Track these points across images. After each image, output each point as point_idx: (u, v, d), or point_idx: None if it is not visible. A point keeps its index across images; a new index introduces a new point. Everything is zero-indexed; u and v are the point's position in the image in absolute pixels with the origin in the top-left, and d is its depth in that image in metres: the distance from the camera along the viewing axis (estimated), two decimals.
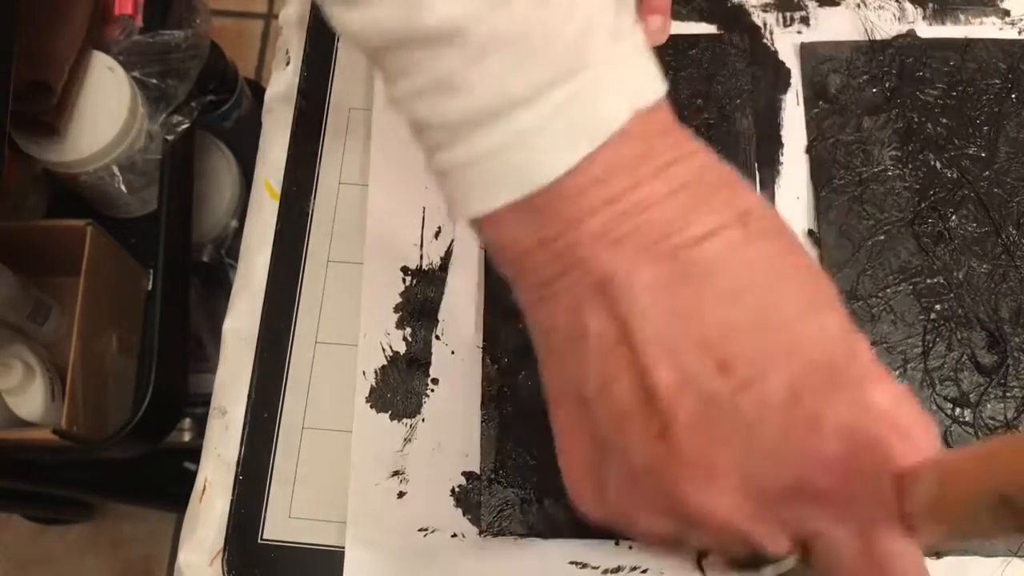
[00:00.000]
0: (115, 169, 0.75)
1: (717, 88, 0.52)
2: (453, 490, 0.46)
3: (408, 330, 0.48)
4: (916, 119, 0.51)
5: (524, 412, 0.46)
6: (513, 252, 0.29)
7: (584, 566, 0.45)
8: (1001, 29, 0.53)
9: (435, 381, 0.48)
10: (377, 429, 0.47)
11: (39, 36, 0.69)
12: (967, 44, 0.52)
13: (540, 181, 0.26)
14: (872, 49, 0.52)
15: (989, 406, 0.46)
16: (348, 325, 0.49)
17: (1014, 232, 0.48)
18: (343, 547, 0.45)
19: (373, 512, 0.45)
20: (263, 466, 0.47)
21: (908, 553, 0.25)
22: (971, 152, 0.50)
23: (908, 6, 0.54)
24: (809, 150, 0.51)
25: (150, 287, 0.75)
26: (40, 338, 0.75)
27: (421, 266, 0.50)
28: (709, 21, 0.54)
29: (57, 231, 0.73)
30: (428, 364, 0.48)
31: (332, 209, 0.52)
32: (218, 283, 0.91)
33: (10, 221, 0.73)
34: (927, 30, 0.53)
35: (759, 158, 0.51)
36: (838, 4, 0.54)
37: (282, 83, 0.56)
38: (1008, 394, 0.46)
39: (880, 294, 0.48)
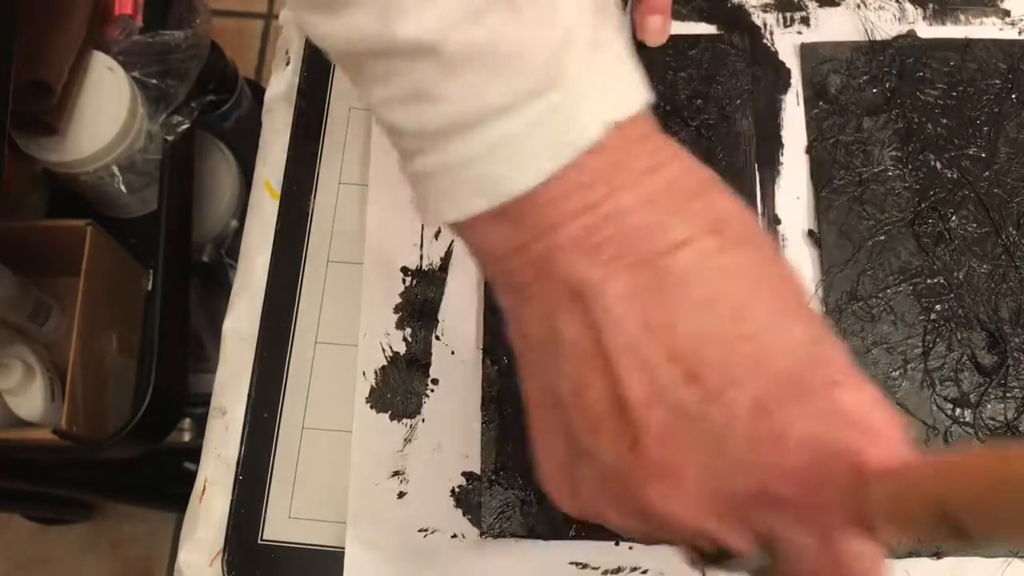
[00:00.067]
0: (115, 169, 0.75)
1: (717, 88, 0.52)
2: (453, 491, 0.46)
3: (408, 330, 0.48)
4: (916, 119, 0.51)
5: (523, 415, 0.46)
6: (490, 256, 0.29)
7: (584, 566, 0.45)
8: (1001, 29, 0.53)
9: (435, 381, 0.48)
10: (377, 429, 0.47)
11: (39, 36, 0.69)
12: (967, 44, 0.52)
13: (514, 192, 0.26)
14: (872, 49, 0.52)
15: (989, 406, 0.46)
16: (348, 325, 0.49)
17: (1014, 232, 0.48)
18: (343, 547, 0.45)
19: (373, 512, 0.45)
20: (263, 466, 0.47)
21: (868, 553, 0.25)
22: (971, 152, 0.50)
23: (908, 6, 0.54)
24: (809, 150, 0.51)
25: (150, 287, 0.75)
26: (40, 338, 0.75)
27: (421, 266, 0.50)
28: (709, 21, 0.54)
29: (57, 231, 0.73)
30: (428, 364, 0.48)
31: (332, 209, 0.52)
32: (218, 283, 0.91)
33: (10, 221, 0.73)
34: (927, 30, 0.53)
35: (759, 158, 0.51)
36: (838, 4, 0.54)
37: (282, 83, 0.56)
38: (1008, 394, 0.46)
39: (880, 294, 0.48)
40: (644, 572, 0.44)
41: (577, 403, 0.27)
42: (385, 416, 0.47)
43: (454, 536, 0.45)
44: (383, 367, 0.48)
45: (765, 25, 0.54)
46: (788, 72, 0.53)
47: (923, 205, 0.49)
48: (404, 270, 0.50)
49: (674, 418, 0.26)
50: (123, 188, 0.77)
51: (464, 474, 0.46)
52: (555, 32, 0.26)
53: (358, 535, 0.45)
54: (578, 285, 0.26)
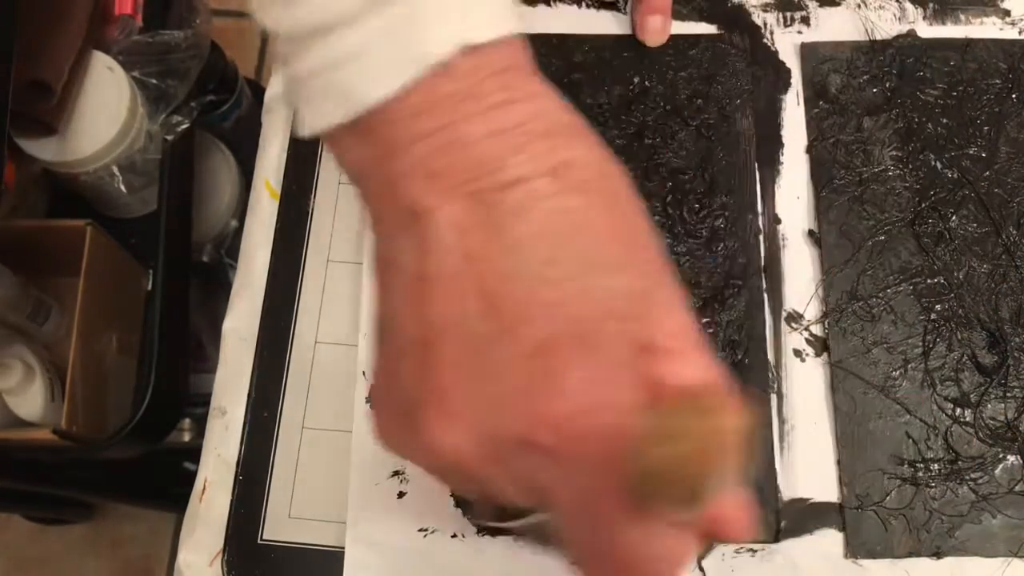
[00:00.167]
0: (115, 169, 0.75)
1: (717, 88, 0.52)
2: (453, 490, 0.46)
3: None
4: (916, 119, 0.51)
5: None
6: (351, 173, 0.29)
7: None
8: (1001, 29, 0.53)
9: None
10: None
11: (39, 36, 0.69)
12: (967, 44, 0.52)
13: (363, 103, 0.26)
14: (872, 49, 0.52)
15: (990, 406, 0.46)
16: (348, 325, 0.49)
17: (1014, 232, 0.48)
18: (343, 547, 0.45)
19: (373, 512, 0.45)
20: (263, 466, 0.47)
21: (629, 522, 0.25)
22: (971, 152, 0.50)
23: (908, 6, 0.54)
24: (809, 150, 0.51)
25: (150, 287, 0.75)
26: (40, 338, 0.75)
27: None
28: (709, 21, 0.54)
29: (57, 231, 0.73)
30: None
31: (332, 209, 0.52)
32: (218, 283, 0.91)
33: (10, 221, 0.73)
34: (927, 30, 0.53)
35: (759, 158, 0.51)
36: (838, 4, 0.54)
37: (282, 83, 0.56)
38: (1008, 394, 0.46)
39: (880, 294, 0.48)
40: None
41: (396, 326, 0.27)
42: None
43: (454, 536, 0.45)
44: None
45: (765, 25, 0.54)
46: (788, 72, 0.53)
47: (923, 205, 0.49)
48: None
49: (465, 349, 0.26)
50: (123, 188, 0.77)
51: None
52: None
53: (358, 535, 0.45)
54: (416, 208, 0.27)
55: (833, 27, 0.53)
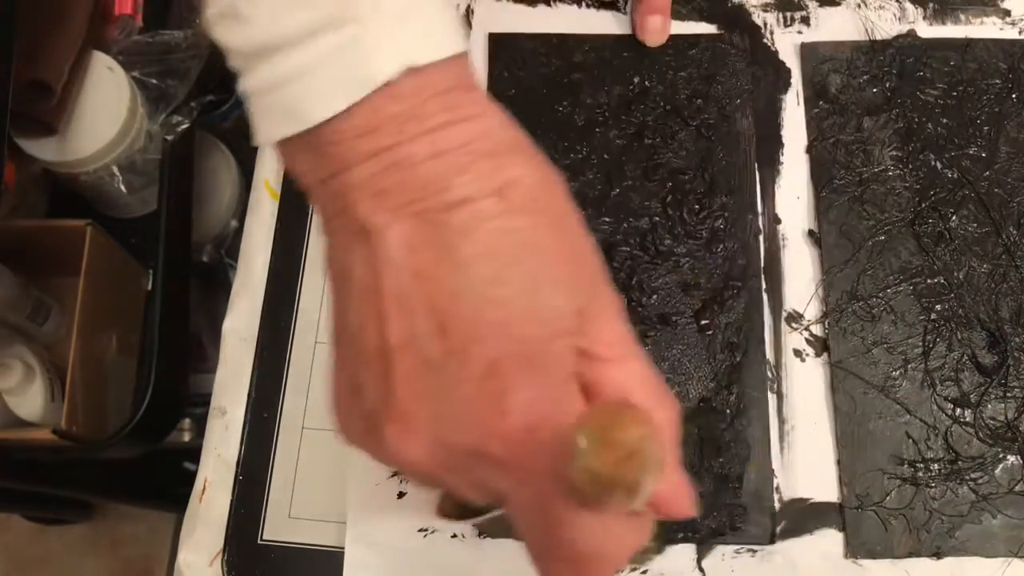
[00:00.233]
0: (115, 169, 0.75)
1: (717, 88, 0.52)
2: None
3: None
4: (916, 119, 0.51)
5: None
6: (304, 185, 0.30)
7: None
8: (1001, 29, 0.53)
9: None
10: None
11: (39, 36, 0.69)
12: (967, 44, 0.52)
13: (309, 122, 0.27)
14: (872, 49, 0.52)
15: (990, 406, 0.46)
16: None
17: (1014, 232, 0.48)
18: (343, 547, 0.45)
19: (373, 512, 0.45)
20: (263, 466, 0.47)
21: (578, 519, 0.26)
22: (971, 152, 0.50)
23: (908, 6, 0.54)
24: (809, 150, 0.51)
25: (150, 287, 0.75)
26: (40, 338, 0.75)
27: None
28: (709, 21, 0.54)
29: (57, 231, 0.72)
30: None
31: None
32: (218, 283, 0.90)
33: (10, 221, 0.73)
34: (927, 30, 0.53)
35: (759, 158, 0.51)
36: (839, 4, 0.54)
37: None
38: (1009, 394, 0.46)
39: (880, 294, 0.48)
40: (644, 572, 0.44)
41: (357, 340, 0.28)
42: None
43: (454, 536, 0.45)
44: None
45: (765, 25, 0.54)
46: (788, 72, 0.53)
47: (923, 205, 0.49)
48: None
49: (419, 366, 0.27)
50: (123, 188, 0.77)
51: None
52: None
53: (358, 535, 0.45)
54: (366, 226, 0.27)
55: (833, 27, 0.53)
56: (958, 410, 0.46)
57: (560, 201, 0.29)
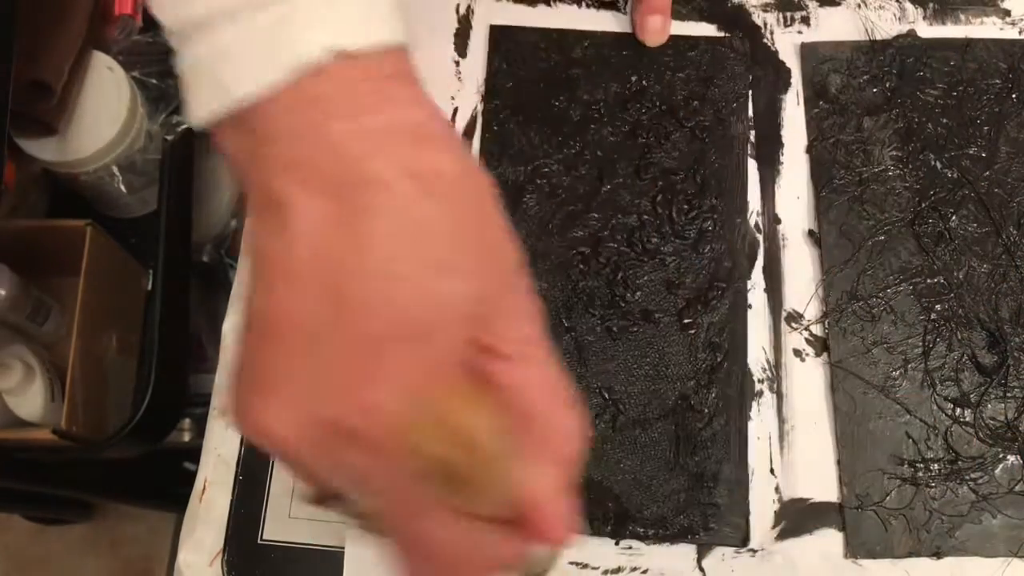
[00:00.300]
0: (115, 169, 0.75)
1: (714, 91, 0.52)
2: None
3: None
4: (916, 119, 0.51)
5: None
6: (232, 162, 0.30)
7: (584, 566, 0.45)
8: (1001, 29, 0.53)
9: None
10: None
11: (39, 36, 0.69)
12: (967, 44, 0.52)
13: (237, 98, 0.27)
14: (872, 49, 0.52)
15: (990, 406, 0.46)
16: None
17: (1014, 232, 0.48)
18: (343, 547, 0.45)
19: None
20: (263, 466, 0.47)
21: (436, 515, 0.26)
22: (971, 152, 0.50)
23: (908, 6, 0.54)
24: (809, 150, 0.51)
25: (150, 287, 0.75)
26: (40, 338, 0.75)
27: None
28: (709, 21, 0.54)
29: (57, 231, 0.73)
30: None
31: None
32: (218, 283, 0.91)
33: (10, 221, 0.73)
34: (927, 30, 0.53)
35: (759, 158, 0.51)
36: (839, 4, 0.54)
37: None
38: (1008, 394, 0.46)
39: (880, 294, 0.48)
40: (644, 572, 0.44)
41: (254, 311, 0.28)
42: None
43: None
44: None
45: (765, 25, 0.54)
46: (788, 72, 0.53)
47: (923, 205, 0.49)
48: None
49: (303, 339, 0.27)
50: (123, 188, 0.77)
51: None
52: None
53: (358, 535, 0.45)
54: (279, 199, 0.28)
55: (833, 27, 0.53)
56: (958, 410, 0.46)
57: (479, 196, 0.29)
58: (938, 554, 0.44)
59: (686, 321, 0.47)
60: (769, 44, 0.53)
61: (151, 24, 0.78)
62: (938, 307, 0.47)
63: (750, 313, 0.48)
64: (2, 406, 0.70)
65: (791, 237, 0.50)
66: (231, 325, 0.51)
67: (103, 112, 0.73)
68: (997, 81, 0.51)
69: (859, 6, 0.54)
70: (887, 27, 0.53)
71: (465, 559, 0.28)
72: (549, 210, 0.50)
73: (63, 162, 0.73)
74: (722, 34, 0.53)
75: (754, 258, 0.49)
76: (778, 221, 0.50)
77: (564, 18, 0.54)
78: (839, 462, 0.45)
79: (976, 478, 0.45)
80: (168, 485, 0.95)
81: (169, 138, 0.77)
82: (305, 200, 0.27)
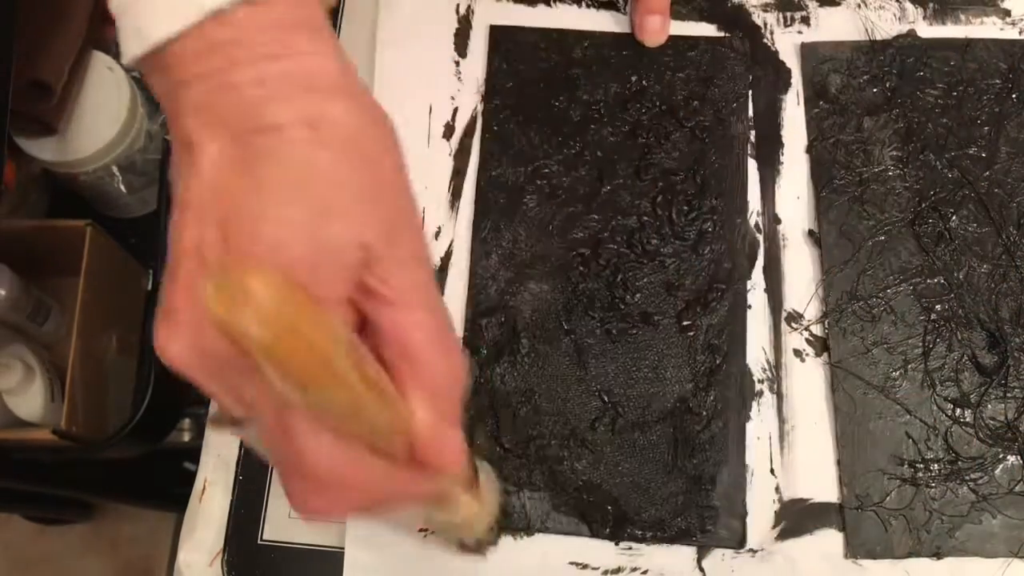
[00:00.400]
0: (115, 169, 0.75)
1: (714, 91, 0.52)
2: None
3: None
4: (916, 119, 0.51)
5: (495, 405, 0.46)
6: (159, 101, 0.32)
7: (584, 567, 0.45)
8: (1002, 29, 0.53)
9: None
10: None
11: (39, 36, 0.69)
12: (967, 44, 0.52)
13: (150, 42, 0.29)
14: (872, 49, 0.52)
15: (990, 406, 0.46)
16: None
17: (1014, 232, 0.48)
18: (343, 547, 0.45)
19: None
20: (263, 466, 0.47)
21: (309, 430, 0.28)
22: (972, 152, 0.50)
23: (908, 6, 0.54)
24: (809, 150, 0.51)
25: (150, 287, 0.75)
26: (40, 338, 0.75)
27: None
28: (709, 21, 0.54)
29: (57, 231, 0.72)
30: None
31: None
32: None
33: (10, 221, 0.73)
34: (927, 30, 0.53)
35: (759, 158, 0.51)
36: (839, 4, 0.54)
37: None
38: (1009, 394, 0.46)
39: (880, 294, 0.48)
40: (644, 572, 0.44)
41: (171, 246, 0.30)
42: None
43: None
44: None
45: (765, 25, 0.54)
46: (788, 72, 0.53)
47: (923, 205, 0.49)
48: None
49: (196, 271, 0.29)
50: (123, 188, 0.77)
51: None
52: None
53: (358, 535, 0.45)
54: (189, 140, 0.30)
55: (833, 27, 0.53)
56: (958, 410, 0.46)
57: (376, 146, 0.30)
58: (938, 554, 0.44)
59: (685, 323, 0.47)
60: (769, 44, 0.53)
61: None
62: (938, 307, 0.47)
63: (750, 313, 0.48)
64: (2, 406, 0.70)
65: (791, 237, 0.50)
66: None
67: (103, 112, 0.73)
68: (997, 81, 0.51)
69: (859, 6, 0.54)
70: (887, 27, 0.53)
71: (339, 481, 0.29)
72: (549, 211, 0.50)
73: (63, 162, 0.73)
74: (722, 34, 0.53)
75: (754, 258, 0.49)
76: (778, 221, 0.50)
77: (564, 18, 0.54)
78: (839, 462, 0.45)
79: (976, 478, 0.45)
80: (168, 485, 0.95)
81: (169, 138, 0.77)
82: (208, 142, 0.29)
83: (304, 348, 0.25)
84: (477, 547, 0.43)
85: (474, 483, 0.38)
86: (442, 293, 0.49)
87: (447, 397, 0.31)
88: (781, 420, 0.47)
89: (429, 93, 0.53)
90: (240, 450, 0.48)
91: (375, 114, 0.31)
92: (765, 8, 0.54)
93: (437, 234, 0.50)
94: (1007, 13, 0.53)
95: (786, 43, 0.53)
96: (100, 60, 0.74)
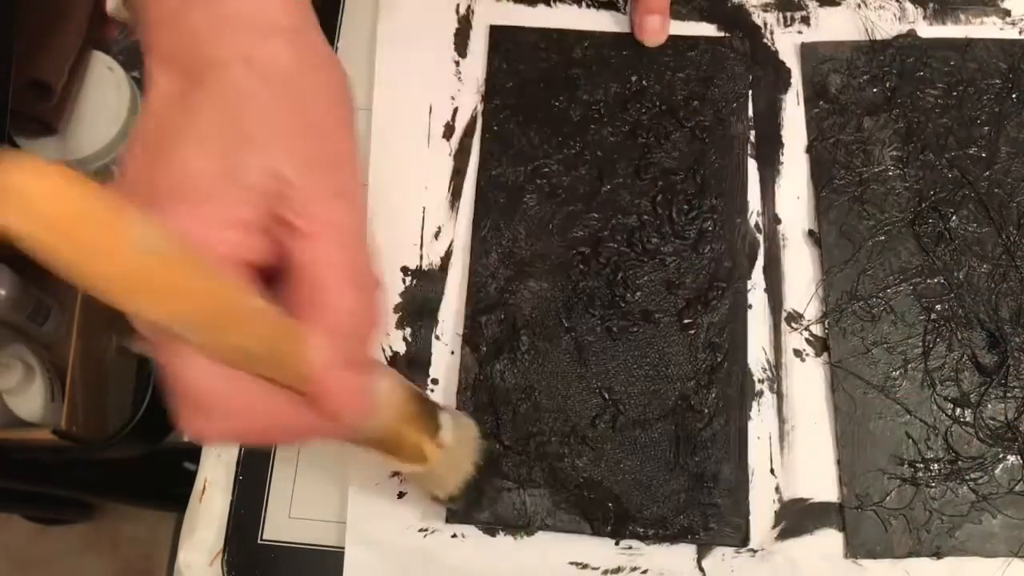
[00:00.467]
0: (115, 169, 0.75)
1: (714, 91, 0.52)
2: None
3: (408, 330, 0.48)
4: (917, 119, 0.51)
5: (495, 402, 0.46)
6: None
7: (584, 567, 0.45)
8: (1002, 29, 0.53)
9: (435, 381, 0.48)
10: None
11: (39, 36, 0.69)
12: (967, 44, 0.52)
13: None
14: (873, 49, 0.52)
15: (990, 406, 0.46)
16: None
17: (1014, 232, 0.48)
18: (343, 547, 0.45)
19: (373, 512, 0.45)
20: (263, 466, 0.47)
21: (179, 348, 0.29)
22: (971, 152, 0.50)
23: (908, 6, 0.54)
24: (809, 150, 0.51)
25: None
26: (40, 338, 0.75)
27: (421, 266, 0.50)
28: (709, 21, 0.54)
29: None
30: (428, 364, 0.48)
31: None
32: None
33: None
34: (927, 30, 0.53)
35: (759, 158, 0.51)
36: (839, 4, 0.54)
37: None
38: (1009, 394, 0.46)
39: (880, 294, 0.48)
40: (644, 572, 0.44)
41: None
42: None
43: (454, 536, 0.45)
44: None
45: (765, 25, 0.54)
46: (788, 72, 0.53)
47: (923, 205, 0.49)
48: (404, 270, 0.50)
49: (129, 199, 0.29)
50: None
51: None
52: None
53: (358, 535, 0.45)
54: (148, 76, 0.32)
55: (833, 27, 0.53)
56: (958, 410, 0.46)
57: (309, 86, 0.32)
58: (938, 554, 0.44)
59: (686, 321, 0.47)
60: (769, 44, 0.53)
61: None
62: (938, 307, 0.47)
63: (750, 313, 0.48)
64: (2, 406, 0.70)
65: (791, 237, 0.50)
66: None
67: (103, 112, 0.73)
68: (997, 81, 0.51)
69: (859, 6, 0.54)
70: (887, 27, 0.53)
71: (217, 406, 0.30)
72: (549, 210, 0.50)
73: (63, 162, 0.73)
74: (722, 34, 0.53)
75: (754, 258, 0.49)
76: (778, 221, 0.50)
77: (564, 18, 0.54)
78: (839, 462, 0.45)
79: (976, 478, 0.45)
80: (168, 485, 0.95)
81: None
82: (160, 77, 0.31)
83: (99, 250, 0.24)
84: (448, 500, 0.43)
85: (430, 433, 0.38)
86: (442, 292, 0.49)
87: (352, 337, 0.31)
88: (781, 420, 0.47)
89: (429, 93, 0.53)
90: (240, 450, 0.48)
91: (316, 58, 0.32)
92: (765, 8, 0.54)
93: (437, 234, 0.50)
94: (1007, 13, 0.53)
95: (786, 43, 0.53)
96: (100, 60, 0.74)
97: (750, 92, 0.52)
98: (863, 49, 0.52)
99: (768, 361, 0.48)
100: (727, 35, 0.53)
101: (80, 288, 0.26)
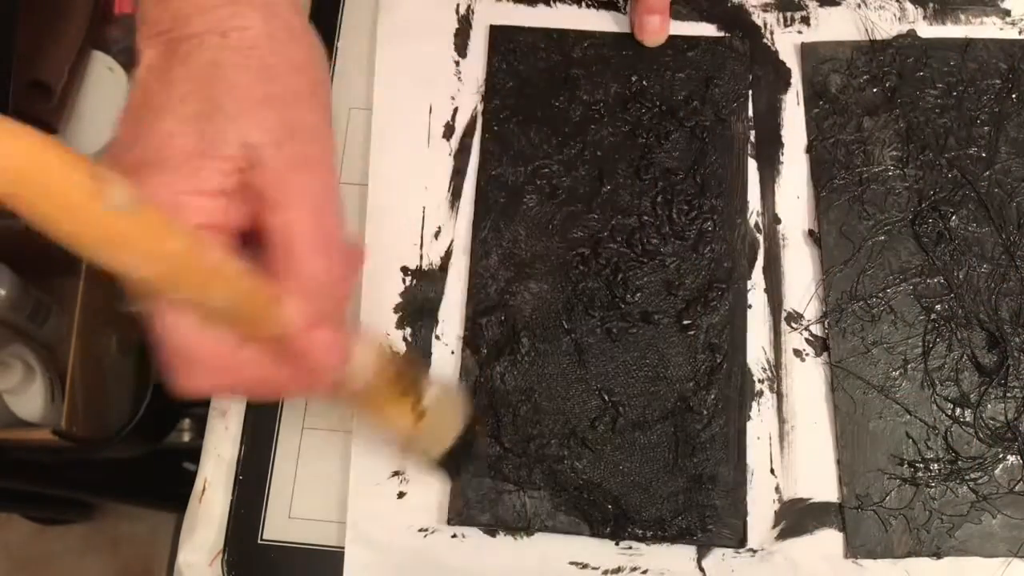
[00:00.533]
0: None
1: (714, 91, 0.52)
2: None
3: (408, 330, 0.48)
4: (916, 119, 0.51)
5: (495, 404, 0.46)
6: None
7: (584, 566, 0.45)
8: (1001, 29, 0.53)
9: None
10: None
11: (39, 36, 0.69)
12: (967, 44, 0.52)
13: None
14: (873, 49, 0.52)
15: (990, 406, 0.46)
16: (348, 325, 0.49)
17: (1014, 232, 0.48)
18: (343, 547, 0.45)
19: (373, 512, 0.45)
20: (263, 466, 0.47)
21: (163, 304, 0.30)
22: (971, 152, 0.50)
23: (909, 6, 0.54)
24: (809, 150, 0.51)
25: None
26: (40, 338, 0.75)
27: (421, 266, 0.50)
28: (709, 21, 0.54)
29: None
30: (428, 364, 0.48)
31: None
32: None
33: (10, 221, 0.73)
34: (927, 30, 0.53)
35: (759, 158, 0.51)
36: (839, 4, 0.54)
37: None
38: (1008, 394, 0.46)
39: (880, 294, 0.48)
40: (644, 572, 0.45)
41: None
42: None
43: (454, 536, 0.45)
44: None
45: (765, 25, 0.54)
46: (788, 72, 0.53)
47: (923, 205, 0.49)
48: (404, 270, 0.50)
49: (114, 158, 0.32)
50: None
51: None
52: None
53: (358, 535, 0.45)
54: (138, 49, 0.33)
55: (833, 27, 0.53)
56: (958, 410, 0.46)
57: (282, 59, 0.33)
58: (938, 554, 0.44)
59: (686, 322, 0.47)
60: (769, 44, 0.53)
61: None
62: (938, 307, 0.47)
63: (750, 313, 0.48)
64: (2, 406, 0.70)
65: (791, 237, 0.50)
66: None
67: (103, 112, 0.73)
68: (997, 81, 0.51)
69: (859, 6, 0.54)
70: (887, 27, 0.53)
71: (202, 361, 0.31)
72: (549, 210, 0.50)
73: None
74: (722, 34, 0.53)
75: (754, 258, 0.49)
76: (778, 221, 0.50)
77: (564, 18, 0.54)
78: (839, 462, 0.45)
79: (976, 478, 0.45)
80: (168, 485, 0.95)
81: None
82: (147, 50, 0.33)
83: (70, 207, 0.25)
84: (430, 467, 0.44)
85: (415, 396, 0.39)
86: (442, 291, 0.49)
87: (323, 298, 0.32)
88: (781, 420, 0.47)
89: (429, 93, 0.53)
90: (240, 450, 0.48)
91: (287, 31, 0.34)
92: (765, 8, 0.54)
93: (437, 233, 0.50)
94: (1007, 13, 0.53)
95: (786, 43, 0.53)
96: (100, 60, 0.74)
97: (750, 92, 0.52)
98: (863, 49, 0.52)
99: (768, 361, 0.48)
100: (727, 35, 0.53)
101: (62, 243, 0.27)
